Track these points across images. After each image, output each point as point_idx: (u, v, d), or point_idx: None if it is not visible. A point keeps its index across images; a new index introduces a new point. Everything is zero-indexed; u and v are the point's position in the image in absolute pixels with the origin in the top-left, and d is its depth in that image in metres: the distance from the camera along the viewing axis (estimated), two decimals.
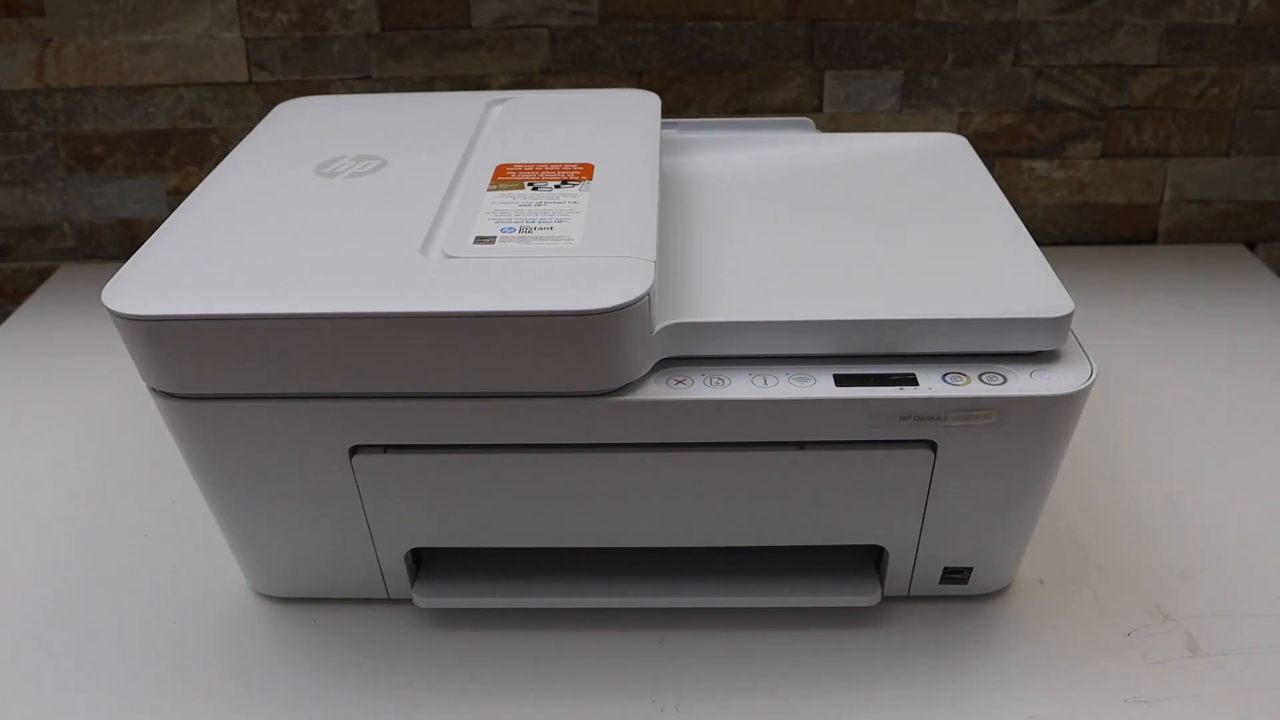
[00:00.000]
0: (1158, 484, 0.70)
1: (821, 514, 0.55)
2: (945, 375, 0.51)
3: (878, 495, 0.54)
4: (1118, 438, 0.74)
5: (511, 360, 0.48)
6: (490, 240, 0.51)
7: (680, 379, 0.51)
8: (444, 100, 0.71)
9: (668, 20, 0.91)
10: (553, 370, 0.48)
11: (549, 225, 0.53)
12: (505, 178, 0.58)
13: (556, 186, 0.56)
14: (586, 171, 0.58)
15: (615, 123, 0.65)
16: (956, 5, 0.90)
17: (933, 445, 0.52)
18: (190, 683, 0.57)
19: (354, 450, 0.53)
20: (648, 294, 0.47)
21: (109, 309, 0.48)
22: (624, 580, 0.60)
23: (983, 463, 0.52)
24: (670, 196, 0.63)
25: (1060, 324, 0.51)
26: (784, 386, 0.50)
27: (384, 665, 0.58)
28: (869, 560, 0.61)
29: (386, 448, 0.53)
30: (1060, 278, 0.53)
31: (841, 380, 0.50)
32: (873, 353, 0.52)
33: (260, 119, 0.72)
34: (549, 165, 0.59)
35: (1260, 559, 0.63)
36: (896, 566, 0.58)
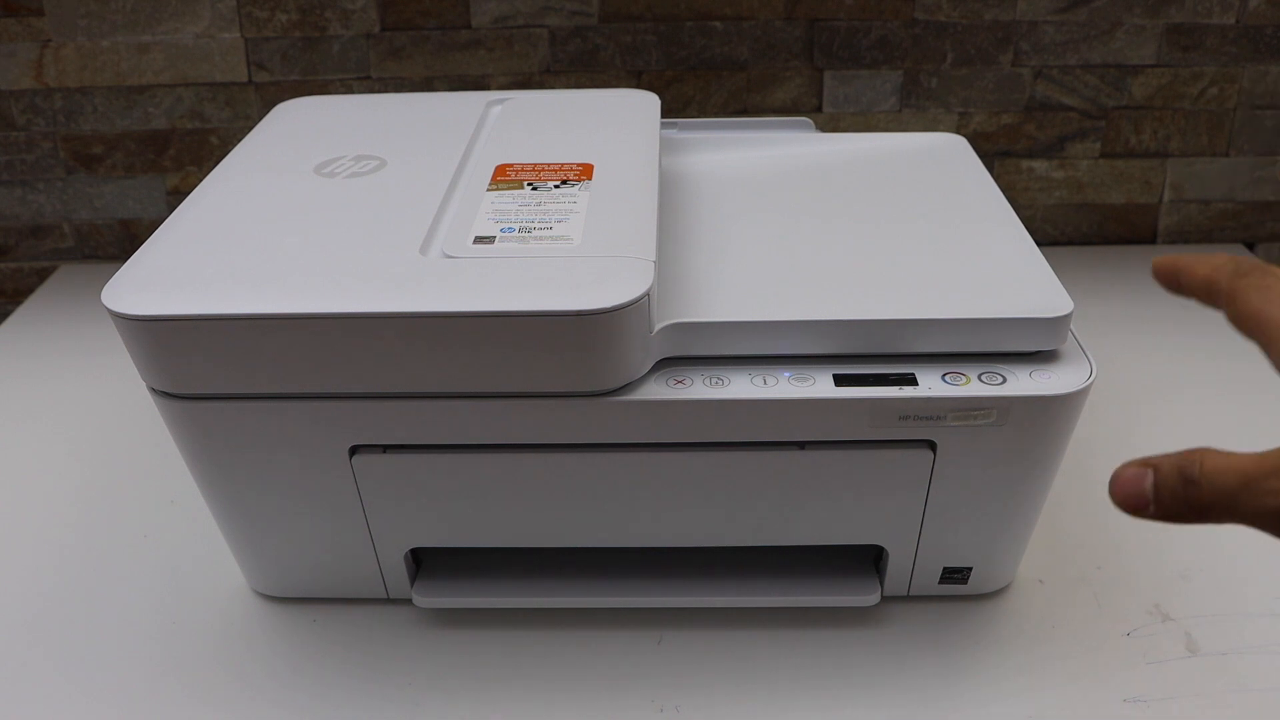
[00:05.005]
0: None
1: (821, 514, 0.55)
2: (945, 375, 0.51)
3: (877, 495, 0.54)
4: (1118, 438, 0.74)
5: (511, 360, 0.48)
6: (490, 240, 0.51)
7: (680, 379, 0.51)
8: (444, 100, 0.71)
9: (667, 20, 0.91)
10: (552, 370, 0.48)
11: (549, 225, 0.52)
12: (505, 178, 0.58)
13: (556, 186, 0.56)
14: (586, 171, 0.58)
15: (615, 123, 0.65)
16: (956, 5, 0.90)
17: (932, 445, 0.52)
18: (190, 683, 0.57)
19: (354, 450, 0.53)
20: (647, 294, 0.47)
21: (109, 309, 0.48)
22: (624, 580, 0.60)
23: (982, 463, 0.52)
24: (670, 196, 0.63)
25: (1060, 324, 0.51)
26: (784, 386, 0.50)
27: (384, 665, 0.58)
28: (869, 560, 0.61)
29: (386, 448, 0.53)
30: (1060, 278, 0.53)
31: (841, 380, 0.50)
32: (872, 353, 0.52)
33: (260, 119, 0.72)
34: (549, 165, 0.59)
35: (1260, 559, 0.63)
36: (896, 566, 0.58)
